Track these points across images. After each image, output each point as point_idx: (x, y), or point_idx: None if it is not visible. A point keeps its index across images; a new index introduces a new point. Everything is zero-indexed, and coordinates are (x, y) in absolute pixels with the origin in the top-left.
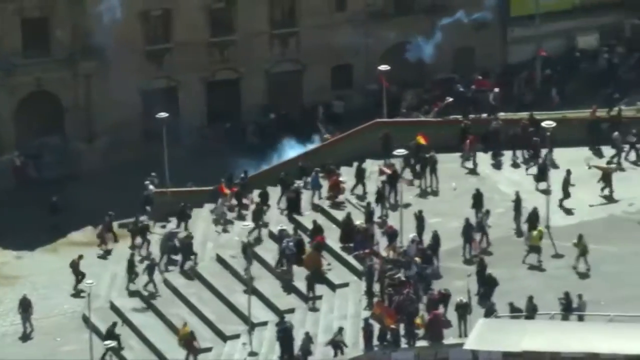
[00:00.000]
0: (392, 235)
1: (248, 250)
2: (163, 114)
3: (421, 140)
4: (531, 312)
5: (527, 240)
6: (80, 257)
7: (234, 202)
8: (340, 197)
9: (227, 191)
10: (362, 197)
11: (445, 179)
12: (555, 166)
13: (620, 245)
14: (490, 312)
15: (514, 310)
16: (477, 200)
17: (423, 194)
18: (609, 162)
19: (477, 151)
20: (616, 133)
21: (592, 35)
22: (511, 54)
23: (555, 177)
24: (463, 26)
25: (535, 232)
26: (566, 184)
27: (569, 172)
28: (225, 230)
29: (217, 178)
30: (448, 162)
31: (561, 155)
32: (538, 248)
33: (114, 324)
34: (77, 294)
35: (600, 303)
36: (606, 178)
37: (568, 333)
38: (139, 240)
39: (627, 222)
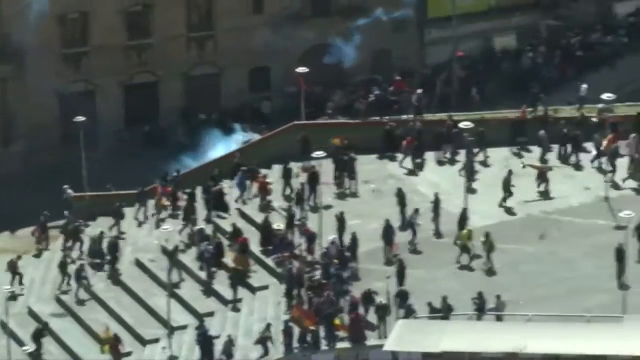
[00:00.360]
0: (310, 237)
1: (175, 253)
2: (81, 118)
3: (337, 142)
4: (446, 312)
5: (457, 240)
6: (19, 257)
7: (166, 202)
8: (269, 199)
9: (159, 190)
10: (289, 199)
11: (364, 181)
12: (487, 165)
13: (538, 246)
14: (409, 313)
15: (433, 311)
16: (401, 199)
17: (342, 195)
18: (543, 161)
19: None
20: (542, 132)
21: (509, 36)
22: (429, 56)
23: (483, 177)
24: (381, 28)
25: (464, 232)
26: (507, 183)
27: (510, 172)
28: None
29: (137, 181)
30: (368, 164)
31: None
32: (467, 248)
33: (45, 325)
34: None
35: (520, 303)
36: (542, 177)
37: (487, 333)
38: (70, 242)
39: (544, 222)
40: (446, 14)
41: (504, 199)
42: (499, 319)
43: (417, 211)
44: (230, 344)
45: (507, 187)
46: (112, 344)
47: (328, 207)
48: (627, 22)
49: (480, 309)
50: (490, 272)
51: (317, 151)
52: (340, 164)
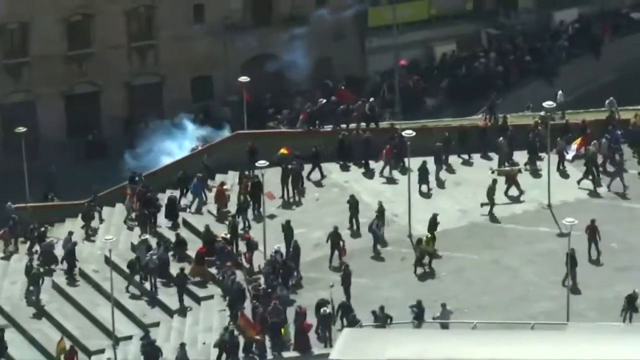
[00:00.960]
0: (252, 246)
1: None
2: (22, 128)
3: (284, 152)
4: (384, 321)
5: (419, 245)
6: None
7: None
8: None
9: (129, 192)
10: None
11: (310, 190)
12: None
13: (481, 253)
14: (354, 322)
15: (378, 320)
16: (354, 206)
17: (287, 205)
18: (512, 164)
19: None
20: (501, 138)
21: (450, 44)
22: (370, 64)
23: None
24: (321, 36)
25: (426, 238)
26: (491, 191)
27: (494, 182)
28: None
29: (79, 191)
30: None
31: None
32: (429, 252)
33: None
34: None
35: (464, 311)
36: (511, 180)
37: (432, 341)
38: (36, 247)
39: (486, 229)
40: (387, 23)
41: (487, 208)
42: (444, 326)
43: (378, 217)
44: (183, 351)
45: (491, 196)
46: (68, 354)
47: (272, 216)
48: (570, 29)
49: (418, 316)
50: (435, 279)
51: (262, 160)
52: (286, 173)
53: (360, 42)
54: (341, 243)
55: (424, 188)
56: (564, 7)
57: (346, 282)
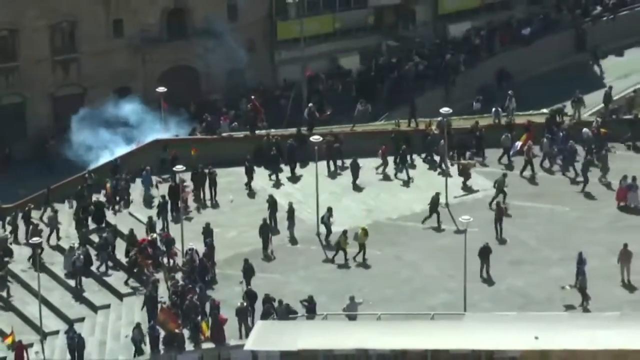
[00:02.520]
0: (168, 243)
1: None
2: None
3: (194, 153)
4: (284, 315)
5: (354, 239)
6: None
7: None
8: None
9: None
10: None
11: (223, 192)
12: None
13: (384, 249)
14: (267, 314)
15: (290, 312)
16: (272, 205)
17: (203, 206)
18: (470, 158)
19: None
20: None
21: (353, 56)
22: (280, 74)
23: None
24: (234, 49)
25: (361, 231)
26: (501, 185)
27: (504, 175)
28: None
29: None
30: (225, 177)
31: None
32: (363, 245)
33: None
34: None
35: (369, 303)
36: (465, 172)
37: (340, 332)
38: None
39: (388, 228)
40: (295, 36)
41: (502, 199)
42: (352, 318)
43: (330, 210)
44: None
45: (502, 188)
46: (18, 347)
47: (189, 218)
48: (464, 42)
49: (310, 310)
50: (341, 274)
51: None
52: (198, 177)
53: (270, 54)
54: (270, 235)
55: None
56: (458, 21)
57: (247, 275)
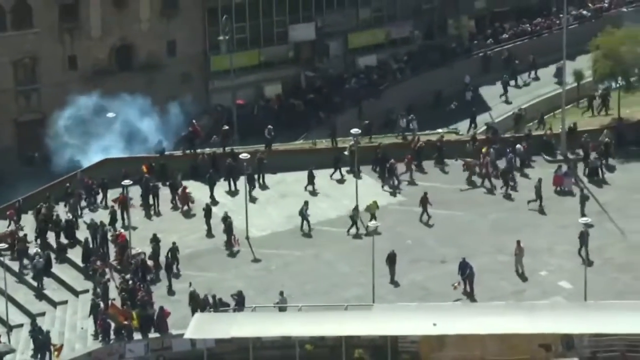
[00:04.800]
0: (122, 246)
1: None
2: None
3: (145, 169)
4: (215, 307)
5: (367, 210)
6: None
7: None
8: (191, 206)
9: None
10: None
11: (166, 203)
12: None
13: (303, 250)
14: (203, 307)
15: (222, 305)
16: (208, 213)
17: (148, 215)
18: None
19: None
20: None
21: (276, 85)
22: (213, 101)
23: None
24: (172, 80)
25: (371, 203)
26: (539, 190)
27: (540, 180)
28: None
29: None
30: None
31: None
32: (373, 215)
33: None
34: None
35: (291, 297)
36: (471, 169)
37: (269, 322)
38: None
39: (306, 232)
40: (226, 68)
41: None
42: (281, 309)
43: (306, 203)
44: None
45: (539, 193)
46: None
47: (134, 228)
48: (371, 71)
49: (239, 303)
50: (267, 272)
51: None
52: (146, 189)
53: (205, 84)
54: (234, 235)
55: (310, 188)
56: (366, 54)
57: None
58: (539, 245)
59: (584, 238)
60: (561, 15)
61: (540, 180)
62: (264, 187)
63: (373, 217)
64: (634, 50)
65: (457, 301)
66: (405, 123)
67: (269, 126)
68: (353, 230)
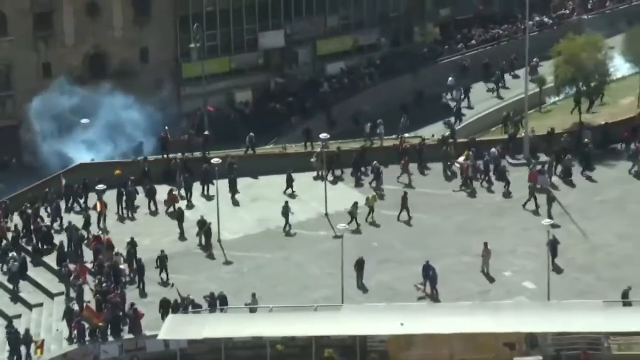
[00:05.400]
0: (97, 250)
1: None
2: None
3: (118, 172)
4: (186, 309)
5: (367, 204)
6: None
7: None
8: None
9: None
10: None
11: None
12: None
13: (274, 253)
14: (176, 309)
15: (195, 307)
16: (180, 217)
17: (122, 219)
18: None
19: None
20: (376, 162)
21: (246, 92)
22: (185, 107)
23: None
24: (147, 86)
25: (371, 197)
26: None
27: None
28: None
29: None
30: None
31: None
32: (372, 208)
33: None
34: None
35: (263, 298)
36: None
37: (240, 323)
38: None
39: (279, 235)
40: (197, 75)
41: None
42: (253, 311)
43: (287, 204)
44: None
45: (533, 193)
46: None
47: (108, 232)
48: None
49: (211, 304)
50: (239, 274)
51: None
52: (121, 194)
53: (177, 91)
54: (212, 238)
55: (289, 191)
56: (334, 61)
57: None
58: (503, 247)
59: (554, 247)
60: (527, 23)
61: (534, 185)
62: (235, 191)
63: (372, 210)
64: (594, 56)
65: (420, 300)
66: (369, 129)
67: (251, 133)
68: (353, 226)
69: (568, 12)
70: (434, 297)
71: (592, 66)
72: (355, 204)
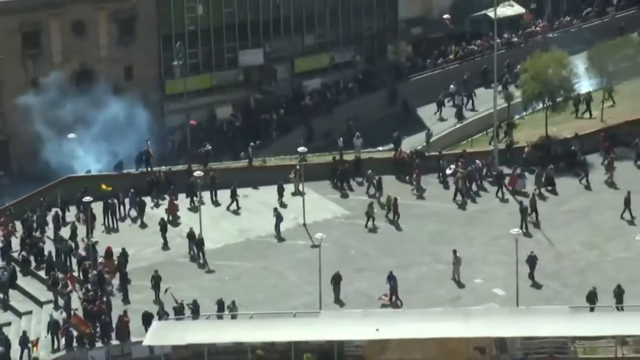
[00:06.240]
0: (82, 259)
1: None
2: None
3: (104, 187)
4: (163, 316)
5: (386, 203)
6: None
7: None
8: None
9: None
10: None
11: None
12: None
13: (254, 262)
14: (161, 315)
15: (178, 313)
16: (163, 227)
17: (108, 230)
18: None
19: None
20: (370, 171)
21: (227, 107)
22: (168, 122)
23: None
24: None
25: (387, 196)
26: (628, 201)
27: (629, 192)
28: None
29: None
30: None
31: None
32: (389, 207)
33: None
34: None
35: (243, 305)
36: (464, 179)
37: (222, 329)
38: None
39: (258, 244)
40: (179, 91)
41: (626, 213)
42: (234, 317)
43: (276, 210)
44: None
45: (628, 204)
46: None
47: (96, 243)
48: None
49: (194, 312)
50: (220, 282)
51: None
52: (106, 206)
53: (160, 106)
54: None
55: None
56: (311, 78)
57: (156, 286)
58: (473, 255)
59: (532, 262)
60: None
61: (534, 195)
62: (216, 203)
63: (389, 209)
64: (559, 72)
65: (384, 297)
66: (342, 142)
67: (252, 143)
68: (370, 225)
69: (537, 29)
70: (396, 305)
71: (557, 81)
72: (371, 204)
